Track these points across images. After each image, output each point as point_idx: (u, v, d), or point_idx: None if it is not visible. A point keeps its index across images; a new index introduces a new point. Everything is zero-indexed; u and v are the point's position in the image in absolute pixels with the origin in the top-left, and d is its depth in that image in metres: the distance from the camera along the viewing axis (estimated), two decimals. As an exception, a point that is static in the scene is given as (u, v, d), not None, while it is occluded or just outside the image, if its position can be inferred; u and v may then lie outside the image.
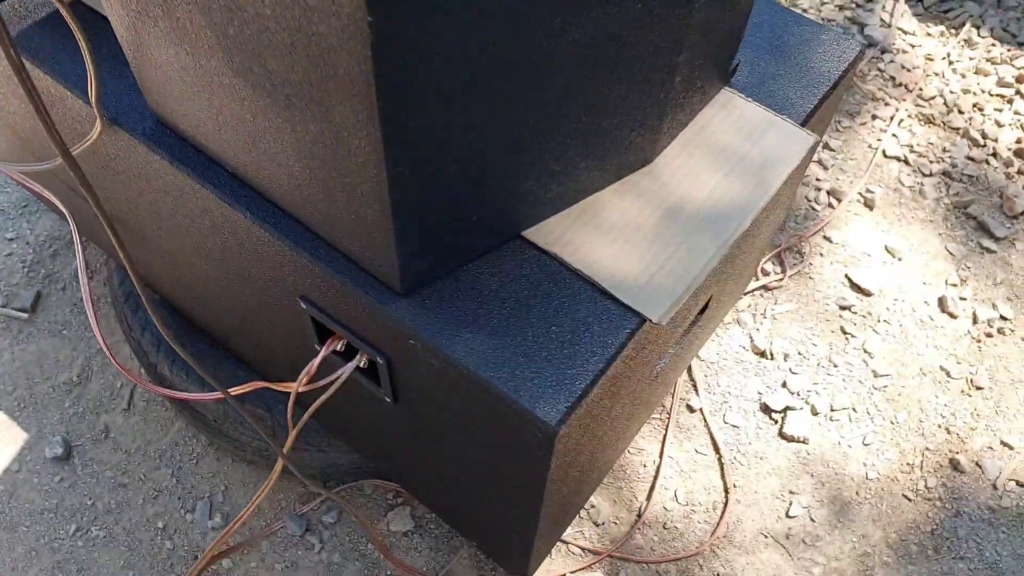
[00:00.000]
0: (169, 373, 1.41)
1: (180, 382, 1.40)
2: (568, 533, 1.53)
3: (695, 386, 1.70)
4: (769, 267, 1.86)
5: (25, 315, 1.72)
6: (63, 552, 1.49)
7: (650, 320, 0.84)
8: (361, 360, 0.96)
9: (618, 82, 0.78)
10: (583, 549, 1.52)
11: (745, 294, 1.82)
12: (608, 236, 0.88)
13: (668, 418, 1.66)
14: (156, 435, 1.60)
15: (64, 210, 1.05)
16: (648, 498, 1.58)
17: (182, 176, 0.93)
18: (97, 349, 1.69)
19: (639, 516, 1.56)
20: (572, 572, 1.50)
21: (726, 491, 1.59)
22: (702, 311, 1.20)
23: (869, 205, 1.96)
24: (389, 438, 1.17)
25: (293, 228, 0.88)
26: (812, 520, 1.56)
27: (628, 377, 0.94)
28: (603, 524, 1.55)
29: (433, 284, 0.85)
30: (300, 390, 0.99)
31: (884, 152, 2.04)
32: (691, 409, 1.67)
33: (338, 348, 0.98)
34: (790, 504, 1.58)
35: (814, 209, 1.96)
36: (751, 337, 1.76)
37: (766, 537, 1.55)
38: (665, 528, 1.55)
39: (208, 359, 1.38)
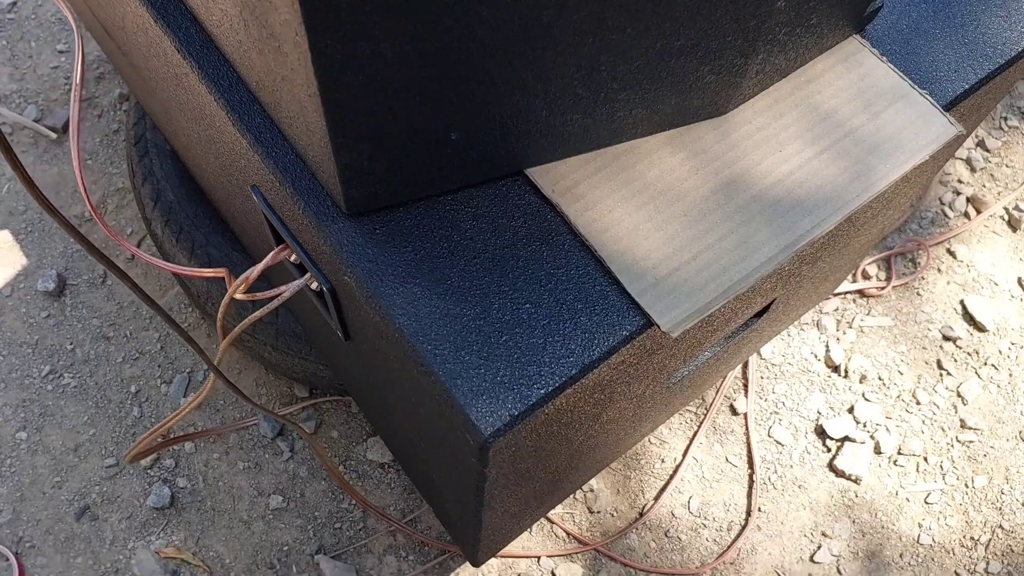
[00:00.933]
0: (160, 232, 1.27)
1: (169, 245, 1.26)
2: (557, 511, 1.35)
3: (746, 386, 1.46)
4: (873, 270, 1.58)
5: (54, 135, 1.61)
6: (31, 391, 1.41)
7: (657, 325, 0.62)
8: (311, 281, 0.78)
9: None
10: (568, 534, 1.34)
11: (835, 295, 1.55)
12: (637, 199, 0.66)
13: (705, 415, 1.43)
14: (153, 294, 1.49)
15: (70, 17, 0.89)
16: (656, 498, 1.38)
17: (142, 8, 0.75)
18: (116, 188, 1.57)
19: (641, 514, 1.37)
20: (549, 556, 1.33)
21: (748, 513, 1.37)
22: (761, 313, 0.96)
23: (1013, 225, 1.63)
24: (352, 373, 1.00)
25: (244, 100, 0.69)
26: (839, 572, 1.33)
27: (625, 383, 0.73)
28: (598, 513, 1.36)
29: (391, 212, 0.65)
30: (237, 297, 0.82)
31: (1053, 167, 1.69)
32: (734, 411, 1.45)
33: (292, 259, 0.80)
34: (818, 547, 1.35)
35: (945, 215, 1.64)
36: (827, 346, 1.50)
37: (779, 577, 1.33)
38: (667, 536, 1.35)
39: (202, 229, 1.23)
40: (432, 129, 0.58)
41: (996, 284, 1.58)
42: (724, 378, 1.45)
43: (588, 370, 0.61)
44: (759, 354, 1.49)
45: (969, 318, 1.54)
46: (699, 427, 1.43)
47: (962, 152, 1.70)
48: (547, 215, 0.66)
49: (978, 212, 1.64)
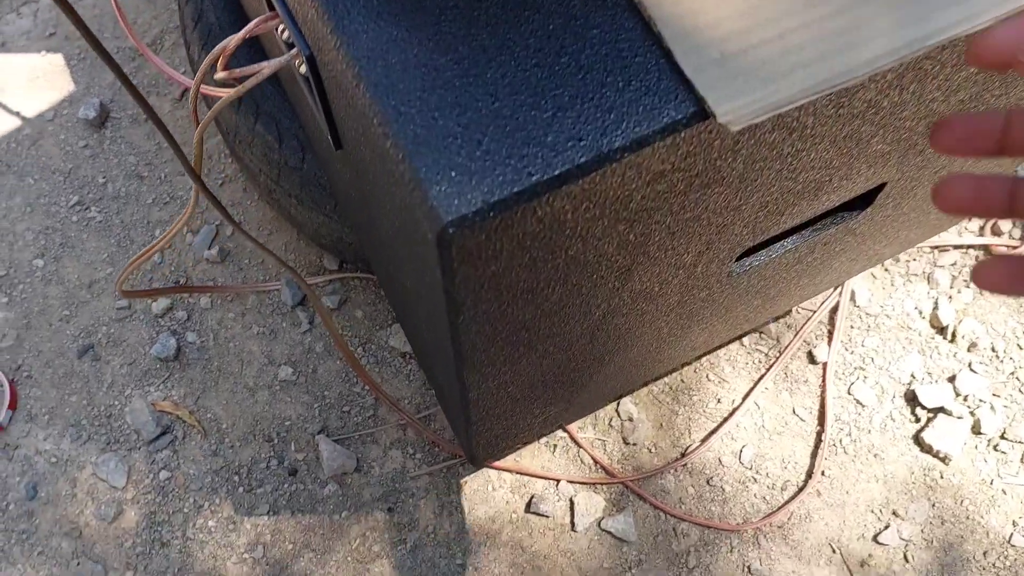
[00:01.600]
0: (196, 56, 1.15)
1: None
2: (588, 435, 1.19)
3: (831, 333, 1.26)
4: (1007, 225, 1.33)
5: (123, -36, 1.52)
6: (56, 219, 1.33)
7: (712, 115, 0.44)
8: (297, 59, 0.63)
9: None
10: (596, 462, 1.18)
11: (956, 247, 1.31)
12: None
13: (777, 358, 1.24)
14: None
15: None
16: (704, 440, 1.20)
17: None
18: (176, 24, 1.47)
19: (683, 455, 1.19)
20: (570, 481, 1.17)
21: (809, 475, 1.18)
22: (863, 202, 0.76)
23: None
24: (354, 212, 0.85)
25: None
26: (906, 559, 1.13)
27: (665, 227, 0.55)
28: (634, 445, 1.20)
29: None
30: (218, 77, 0.68)
31: None
32: (812, 359, 1.24)
33: (281, 33, 0.66)
34: (886, 526, 1.15)
35: (1109, 175, 1.37)
36: (936, 303, 1.28)
37: (833, 551, 1.14)
38: (708, 483, 1.18)
39: (240, 56, 1.10)
40: None
41: None
42: (806, 319, 1.25)
43: (604, 162, 0.44)
44: (853, 297, 1.28)
45: (1118, 297, 1.28)
46: (768, 370, 1.23)
47: None
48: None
49: None
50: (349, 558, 1.14)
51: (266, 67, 0.65)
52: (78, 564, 1.14)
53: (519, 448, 1.05)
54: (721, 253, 0.67)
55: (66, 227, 1.33)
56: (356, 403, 1.22)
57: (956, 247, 1.32)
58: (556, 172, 0.44)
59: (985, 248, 1.32)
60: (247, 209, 1.34)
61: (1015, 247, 1.31)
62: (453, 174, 0.43)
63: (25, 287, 1.29)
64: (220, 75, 0.68)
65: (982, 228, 1.33)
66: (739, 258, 0.74)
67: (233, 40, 0.65)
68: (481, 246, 0.45)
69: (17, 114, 1.40)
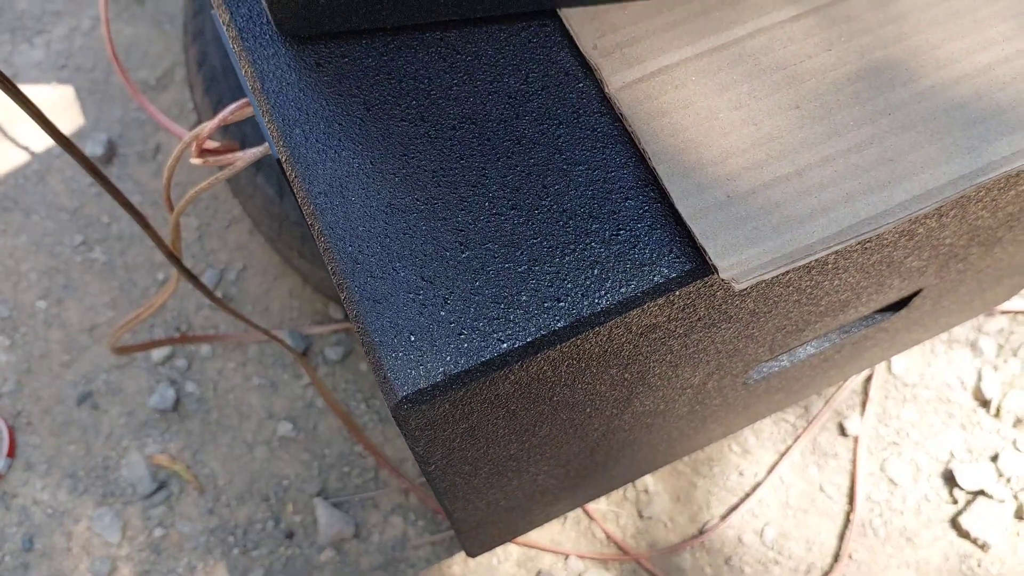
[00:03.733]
0: (200, 100, 1.10)
1: (205, 115, 1.09)
2: (601, 507, 1.13)
3: (864, 403, 1.17)
4: (1058, 291, 1.24)
5: (138, -7, 1.49)
6: (60, 260, 1.30)
7: (714, 269, 0.38)
8: (267, 150, 0.58)
9: None
10: (608, 536, 1.12)
11: (1003, 312, 1.22)
12: (725, 74, 0.41)
13: (804, 429, 1.16)
14: (203, 178, 1.34)
15: None
16: (724, 517, 1.12)
17: None
18: (189, 58, 1.43)
19: (701, 532, 1.12)
20: (580, 556, 1.11)
21: (836, 558, 1.10)
22: (898, 306, 0.69)
23: None
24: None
25: None
26: (939, 658, 1.05)
27: (667, 362, 0.49)
28: (649, 518, 1.13)
29: (351, 44, 0.43)
30: (193, 162, 0.63)
31: None
32: (843, 431, 1.17)
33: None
34: (918, 620, 1.07)
35: None
36: (980, 374, 1.19)
37: (860, 646, 1.06)
38: (727, 564, 1.10)
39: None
40: None
41: None
42: (837, 387, 1.17)
43: (585, 327, 0.38)
44: (888, 366, 1.19)
45: None
46: (795, 441, 1.16)
47: None
48: (578, 82, 0.43)
49: None
50: (345, 630, 1.09)
51: (240, 159, 0.59)
52: (66, 626, 1.10)
53: (525, 532, 0.99)
54: (734, 370, 0.60)
55: (70, 268, 1.29)
56: (357, 464, 1.17)
57: (1004, 312, 1.23)
58: (529, 339, 0.37)
59: (1035, 314, 1.23)
60: (252, 252, 1.29)
61: (1068, 314, 1.22)
62: (412, 339, 0.37)
63: (27, 330, 1.26)
64: (195, 161, 0.63)
65: (1032, 292, 1.24)
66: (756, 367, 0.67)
67: (207, 127, 0.60)
68: (445, 414, 0.39)
69: (26, 149, 1.37)
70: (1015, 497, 1.12)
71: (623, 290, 0.38)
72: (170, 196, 0.67)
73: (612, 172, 0.40)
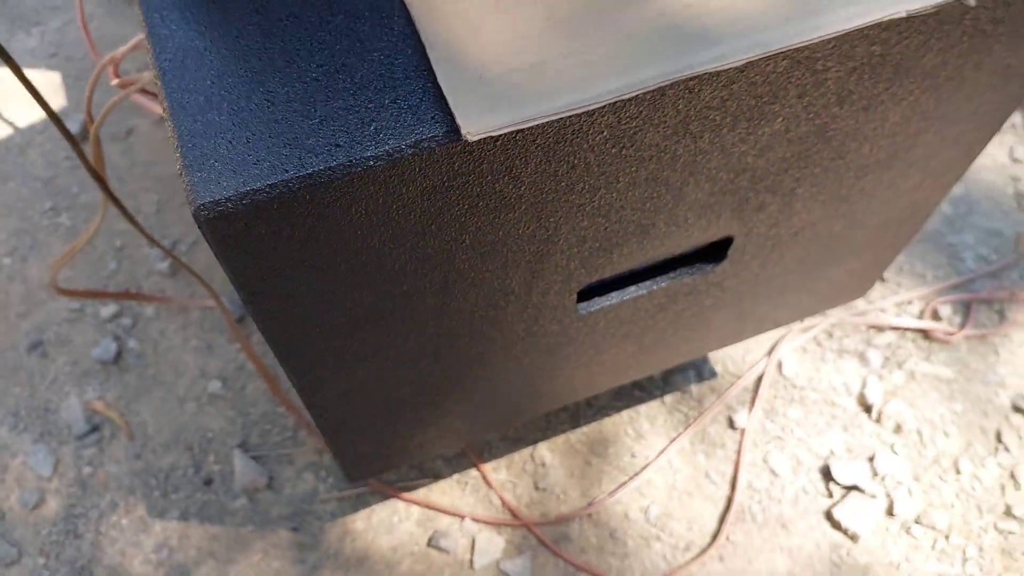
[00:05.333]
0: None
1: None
2: (501, 477, 1.21)
3: (753, 400, 1.26)
4: (946, 311, 1.33)
5: (132, -4, 1.63)
6: (29, 222, 1.41)
7: (462, 129, 0.48)
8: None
9: None
10: (504, 503, 1.19)
11: (893, 329, 1.32)
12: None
13: (696, 419, 1.25)
14: (167, 156, 1.46)
15: None
16: (612, 494, 1.20)
17: None
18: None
19: (590, 504, 1.19)
20: (475, 520, 1.18)
21: (714, 538, 1.17)
22: (715, 255, 0.79)
23: None
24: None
25: None
26: (800, 635, 1.11)
27: (451, 237, 0.59)
28: (544, 490, 1.21)
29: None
30: (112, 83, 0.74)
31: None
32: (732, 424, 1.25)
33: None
34: (785, 600, 1.13)
35: (1055, 271, 1.37)
36: (865, 382, 1.28)
37: (726, 619, 1.12)
38: (612, 536, 1.18)
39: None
40: None
41: (1099, 363, 1.29)
42: (730, 384, 1.26)
43: (356, 167, 0.48)
44: (779, 368, 1.28)
45: (1052, 393, 1.27)
46: (685, 430, 1.24)
47: None
48: (385, -8, 0.54)
49: (1098, 277, 1.36)
50: (250, 571, 1.16)
51: (144, 77, 0.71)
52: (-11, 549, 1.17)
53: (400, 467, 1.07)
54: (555, 285, 0.70)
55: (36, 230, 1.40)
56: (278, 423, 1.25)
57: (893, 328, 1.32)
58: (308, 171, 0.48)
59: (923, 332, 1.32)
60: (208, 229, 1.40)
61: (951, 333, 1.31)
62: (216, 164, 0.48)
63: (-10, 282, 1.36)
64: (113, 82, 0.74)
65: (922, 312, 1.34)
66: (585, 298, 0.77)
67: (120, 51, 0.71)
68: (241, 233, 0.49)
69: (12, 124, 1.50)
70: (887, 495, 1.20)
71: (390, 143, 0.48)
72: (91, 112, 0.78)
73: (400, 59, 0.51)
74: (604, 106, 0.50)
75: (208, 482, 1.22)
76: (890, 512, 1.18)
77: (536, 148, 0.52)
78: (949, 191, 0.83)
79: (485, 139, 0.48)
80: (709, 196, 0.66)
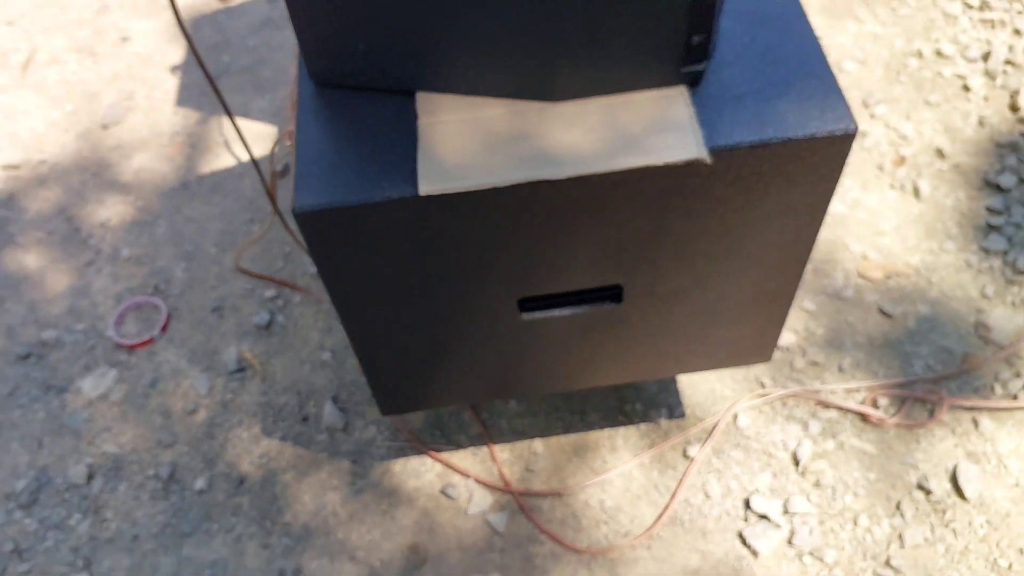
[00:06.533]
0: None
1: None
2: (504, 456, 1.64)
3: (707, 440, 1.63)
4: (884, 402, 1.65)
5: None
6: (232, 227, 2.03)
7: (420, 189, 0.97)
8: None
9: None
10: (500, 474, 1.63)
11: (838, 408, 1.64)
12: (466, 125, 1.01)
13: (658, 445, 1.63)
14: (332, 197, 2.05)
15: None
16: (581, 485, 1.61)
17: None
18: (348, 125, 2.18)
19: (563, 489, 1.60)
20: (477, 481, 1.62)
21: (647, 532, 1.55)
22: (612, 296, 1.20)
23: (1058, 426, 1.59)
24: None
25: None
26: (692, 613, 1.46)
27: (444, 253, 1.06)
28: (532, 471, 1.63)
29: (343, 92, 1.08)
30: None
31: None
32: (686, 455, 1.62)
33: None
34: (690, 587, 1.48)
35: (994, 390, 1.65)
36: (799, 442, 1.61)
37: (639, 588, 1.49)
38: (572, 515, 1.58)
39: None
40: (347, 34, 1.00)
41: (1006, 467, 1.56)
42: (694, 425, 1.64)
43: (368, 203, 0.98)
44: (735, 421, 1.64)
45: (955, 483, 1.55)
46: (647, 451, 1.63)
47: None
48: (410, 116, 1.04)
49: (1026, 400, 1.62)
50: (317, 484, 1.66)
51: (299, 141, 1.25)
52: (161, 433, 1.75)
53: (422, 409, 1.53)
54: (500, 293, 1.16)
55: (236, 233, 2.02)
56: (361, 389, 1.76)
57: (837, 407, 1.65)
58: (349, 203, 0.98)
59: (861, 415, 1.64)
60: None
61: (883, 420, 1.62)
62: (317, 185, 0.99)
63: (199, 263, 1.99)
64: (288, 143, 1.29)
65: (864, 399, 1.65)
66: (528, 309, 1.22)
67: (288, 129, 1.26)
68: (325, 225, 0.99)
69: (238, 158, 2.15)
70: (791, 529, 1.52)
71: (375, 195, 0.98)
72: (274, 159, 1.33)
73: (411, 151, 1.01)
74: (503, 187, 0.97)
75: (304, 419, 1.74)
76: (790, 541, 1.51)
77: (466, 204, 1.00)
78: (800, 280, 1.22)
79: (432, 195, 0.97)
80: (593, 251, 1.11)
